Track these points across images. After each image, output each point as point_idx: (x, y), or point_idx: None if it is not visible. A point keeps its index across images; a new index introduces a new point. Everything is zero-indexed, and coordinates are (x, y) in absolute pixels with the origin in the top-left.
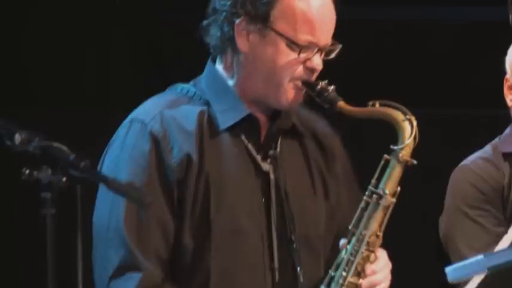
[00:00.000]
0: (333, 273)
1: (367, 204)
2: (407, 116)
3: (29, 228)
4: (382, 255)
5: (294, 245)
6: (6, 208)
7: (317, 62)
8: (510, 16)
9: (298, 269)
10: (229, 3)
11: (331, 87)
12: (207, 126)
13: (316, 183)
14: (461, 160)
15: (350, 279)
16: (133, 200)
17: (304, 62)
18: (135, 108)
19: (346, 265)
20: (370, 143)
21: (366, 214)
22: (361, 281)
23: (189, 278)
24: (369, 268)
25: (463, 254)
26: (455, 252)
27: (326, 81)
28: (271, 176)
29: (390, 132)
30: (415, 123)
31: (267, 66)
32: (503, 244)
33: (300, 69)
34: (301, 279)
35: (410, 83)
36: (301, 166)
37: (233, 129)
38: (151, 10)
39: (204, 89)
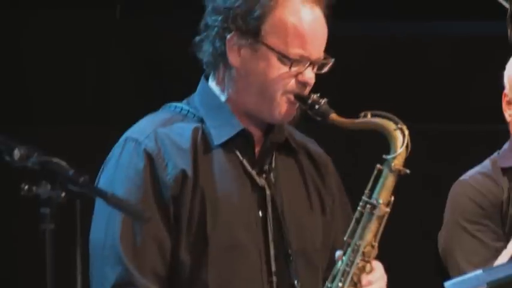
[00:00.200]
0: (329, 285)
1: (362, 214)
2: (399, 126)
3: (28, 244)
4: (378, 266)
5: (292, 259)
6: (6, 223)
7: (309, 75)
8: (508, 31)
9: (296, 282)
10: (220, 18)
11: (323, 100)
12: (202, 143)
13: (313, 198)
14: (461, 175)
15: None
16: (132, 215)
17: (296, 76)
18: (135, 123)
19: (342, 276)
20: (364, 154)
21: (361, 225)
22: None
23: None
24: (364, 278)
25: (462, 269)
26: (455, 267)
27: (318, 95)
28: (267, 191)
29: (384, 142)
30: (406, 132)
31: (259, 81)
32: (502, 259)
33: (292, 83)
34: None
35: (410, 99)
36: (296, 181)
37: (227, 145)
38: (151, 24)
39: (198, 106)
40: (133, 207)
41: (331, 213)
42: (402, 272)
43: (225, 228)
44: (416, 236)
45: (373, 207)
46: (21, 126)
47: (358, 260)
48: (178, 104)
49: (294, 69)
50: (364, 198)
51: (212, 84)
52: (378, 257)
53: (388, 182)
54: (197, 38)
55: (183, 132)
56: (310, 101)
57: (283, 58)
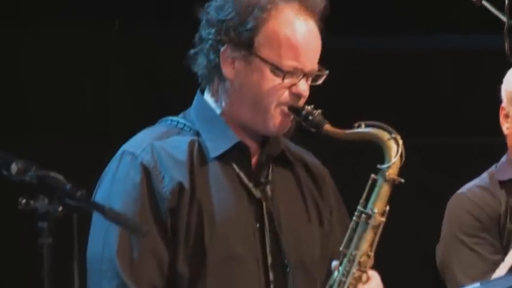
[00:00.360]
0: None
1: (357, 224)
2: (393, 135)
3: (26, 258)
4: (374, 275)
5: (289, 270)
6: (3, 238)
7: (303, 87)
8: (506, 45)
9: None
10: (213, 31)
11: (317, 111)
12: (198, 156)
13: (310, 210)
14: (458, 188)
15: None
16: (129, 229)
17: (290, 88)
18: (133, 136)
19: (339, 286)
20: (361, 165)
21: (356, 234)
22: None
23: None
24: None
25: (459, 282)
26: (452, 280)
27: (312, 106)
28: (264, 203)
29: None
30: (400, 142)
31: (253, 93)
32: (500, 272)
33: (286, 95)
34: None
35: (408, 112)
36: (294, 193)
37: (224, 158)
38: (149, 38)
39: (194, 120)
40: (130, 221)
41: (329, 225)
42: (399, 283)
43: (223, 240)
44: (414, 249)
45: (368, 216)
46: (21, 139)
47: (354, 269)
48: (175, 118)
49: (288, 80)
50: (359, 208)
51: (207, 97)
52: (375, 268)
53: (383, 191)
54: (192, 51)
55: (179, 145)
56: (304, 113)
57: (277, 70)
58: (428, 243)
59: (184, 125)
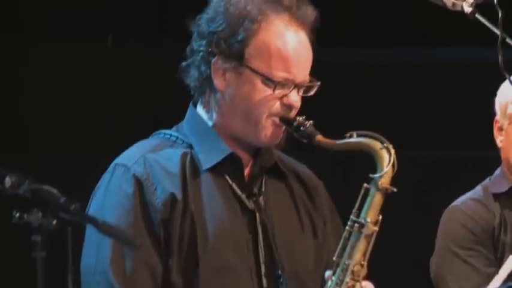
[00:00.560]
0: None
1: (350, 233)
2: (385, 145)
3: (19, 272)
4: (368, 286)
5: (283, 280)
6: None
7: (294, 98)
8: (499, 58)
9: None
10: (204, 42)
11: (309, 122)
12: (190, 168)
13: (304, 221)
14: (452, 201)
15: None
16: (123, 242)
17: (281, 99)
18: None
19: None
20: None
21: (349, 244)
22: None
23: None
24: None
25: None
26: None
27: (304, 117)
28: (257, 214)
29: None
30: (392, 151)
31: (244, 104)
32: (494, 284)
33: (277, 106)
34: None
35: (402, 125)
36: (287, 204)
37: (216, 169)
38: (143, 52)
39: (186, 132)
40: (124, 234)
41: (323, 236)
42: None
43: (215, 251)
44: (408, 261)
45: (361, 226)
46: (14, 154)
47: (347, 279)
48: (167, 131)
49: (279, 91)
50: (352, 217)
51: (200, 109)
52: (369, 279)
53: (375, 200)
54: (183, 64)
55: (171, 158)
56: (295, 124)
57: (268, 81)
58: (423, 256)
59: (177, 138)
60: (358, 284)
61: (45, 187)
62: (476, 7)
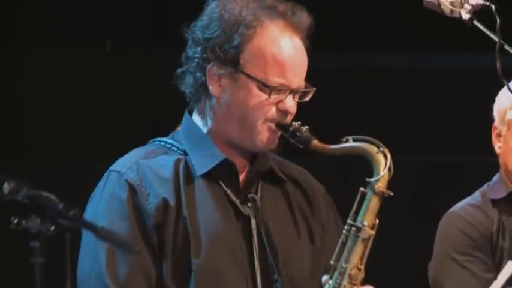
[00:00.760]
0: None
1: (347, 237)
2: (381, 149)
3: (18, 278)
4: None
5: (279, 285)
6: None
7: (290, 104)
8: (497, 64)
9: None
10: (199, 49)
11: (305, 128)
12: (184, 174)
13: (300, 227)
14: (451, 206)
15: None
16: (121, 247)
17: (277, 104)
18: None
19: None
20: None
21: (346, 248)
22: None
23: None
24: None
25: None
26: None
27: (299, 122)
28: (252, 220)
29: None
30: (389, 155)
31: (240, 110)
32: None
33: (272, 111)
34: None
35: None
36: (283, 210)
37: (210, 175)
38: (141, 57)
39: (182, 140)
40: (122, 239)
41: (321, 241)
42: None
43: (209, 256)
44: (406, 266)
45: (358, 229)
46: (12, 160)
47: (345, 282)
48: (163, 139)
49: (274, 97)
50: (348, 221)
51: (195, 116)
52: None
53: (372, 204)
54: (179, 71)
55: (165, 164)
56: (291, 129)
57: (263, 86)
58: (421, 261)
59: (172, 145)
60: None
61: (43, 193)
62: (474, 14)
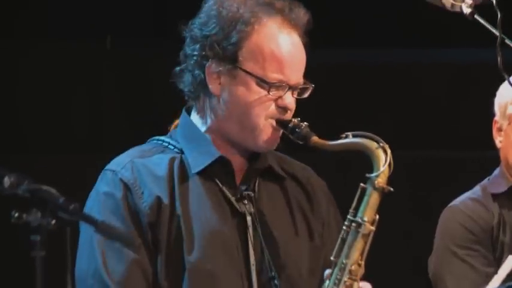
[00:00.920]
0: None
1: (347, 233)
2: (381, 144)
3: (18, 271)
4: (366, 286)
5: (277, 282)
6: None
7: (289, 100)
8: (498, 58)
9: None
10: (198, 46)
11: (304, 124)
12: (179, 172)
13: (298, 224)
14: (451, 201)
15: None
16: (121, 242)
17: (276, 101)
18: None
19: None
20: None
21: (347, 243)
22: None
23: None
24: None
25: None
26: None
27: (299, 119)
28: (248, 217)
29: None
30: (389, 151)
31: (240, 107)
32: (493, 285)
33: (272, 108)
34: None
35: (401, 126)
36: (281, 207)
37: (206, 173)
38: (141, 54)
39: (179, 138)
40: (122, 234)
41: (321, 238)
42: None
43: (203, 254)
44: (407, 261)
45: (359, 225)
46: (13, 155)
47: (345, 278)
48: (161, 137)
49: (273, 93)
50: (349, 217)
51: (194, 115)
52: (367, 279)
53: (372, 200)
54: (177, 69)
55: (160, 162)
56: (291, 125)
57: (262, 83)
58: (421, 255)
59: (169, 143)
60: (355, 283)
61: (44, 187)
62: (475, 8)
